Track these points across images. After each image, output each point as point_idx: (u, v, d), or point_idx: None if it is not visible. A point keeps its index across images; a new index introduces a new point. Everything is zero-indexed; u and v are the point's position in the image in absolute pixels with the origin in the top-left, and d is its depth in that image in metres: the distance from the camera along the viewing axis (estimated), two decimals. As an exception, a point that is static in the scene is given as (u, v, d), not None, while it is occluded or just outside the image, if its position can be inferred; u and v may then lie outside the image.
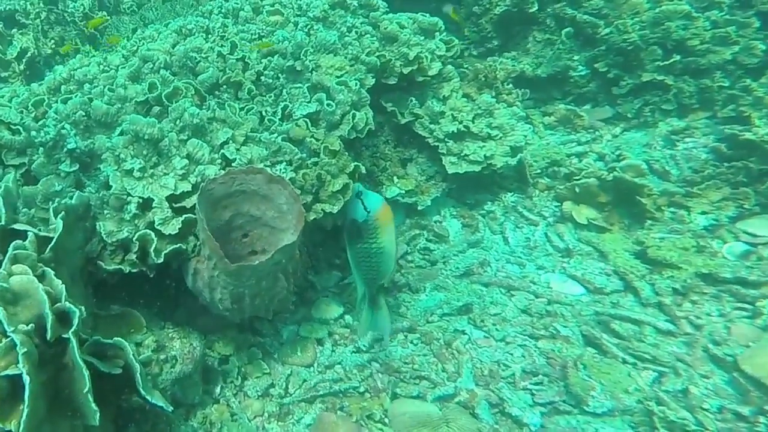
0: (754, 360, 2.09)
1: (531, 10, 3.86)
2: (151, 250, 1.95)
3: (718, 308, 2.38)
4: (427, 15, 3.30)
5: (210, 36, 3.15)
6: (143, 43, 3.22)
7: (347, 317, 2.58)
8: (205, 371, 2.25)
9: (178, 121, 2.27)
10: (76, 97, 2.42)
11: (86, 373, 1.53)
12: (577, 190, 2.93)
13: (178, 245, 2.02)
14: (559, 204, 3.04)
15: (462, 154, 2.97)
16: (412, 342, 2.46)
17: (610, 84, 3.72)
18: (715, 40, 3.52)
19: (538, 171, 3.27)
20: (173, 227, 2.00)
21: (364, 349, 2.42)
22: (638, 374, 2.21)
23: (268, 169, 2.20)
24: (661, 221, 2.80)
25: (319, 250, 2.84)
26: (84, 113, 2.36)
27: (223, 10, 3.39)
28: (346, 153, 2.43)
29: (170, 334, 2.08)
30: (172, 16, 4.30)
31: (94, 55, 3.80)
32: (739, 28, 3.55)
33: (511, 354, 2.37)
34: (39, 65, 4.18)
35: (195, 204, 1.96)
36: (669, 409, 2.02)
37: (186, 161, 2.13)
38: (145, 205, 2.06)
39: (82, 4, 4.30)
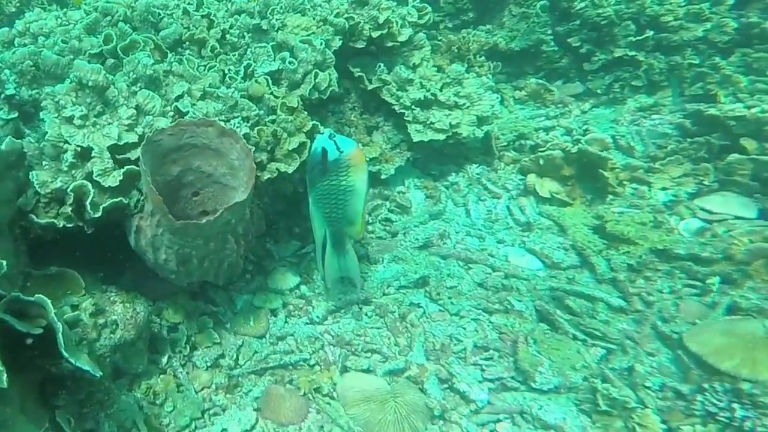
0: (698, 337, 2.04)
1: (507, -18, 3.70)
2: (87, 202, 1.82)
3: (670, 285, 2.32)
4: (400, -20, 3.14)
5: None
6: None
7: (303, 288, 2.49)
8: (153, 340, 2.16)
9: (131, 74, 2.12)
10: (25, 48, 2.27)
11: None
12: (541, 162, 2.84)
13: (119, 199, 1.89)
14: (524, 177, 2.95)
15: (428, 122, 2.86)
16: (366, 314, 2.39)
17: (582, 60, 3.61)
18: (688, 16, 3.42)
19: (505, 144, 3.18)
20: (114, 179, 1.87)
21: (318, 320, 2.35)
22: (587, 351, 2.16)
23: (221, 122, 2.08)
24: (622, 196, 2.73)
25: (279, 218, 2.75)
26: (32, 63, 2.21)
27: None
28: (305, 112, 2.31)
29: (112, 298, 1.97)
30: None
31: (52, 10, 3.60)
32: (713, 5, 3.45)
33: (464, 328, 2.30)
34: (2, 24, 3.97)
35: (139, 156, 1.83)
36: (613, 387, 1.97)
37: (134, 111, 2.00)
38: (84, 154, 1.92)
39: (48, -39, 4.08)
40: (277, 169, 2.17)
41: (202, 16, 2.65)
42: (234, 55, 2.57)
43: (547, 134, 3.19)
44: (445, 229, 2.72)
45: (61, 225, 1.88)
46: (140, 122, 2.02)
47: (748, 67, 3.28)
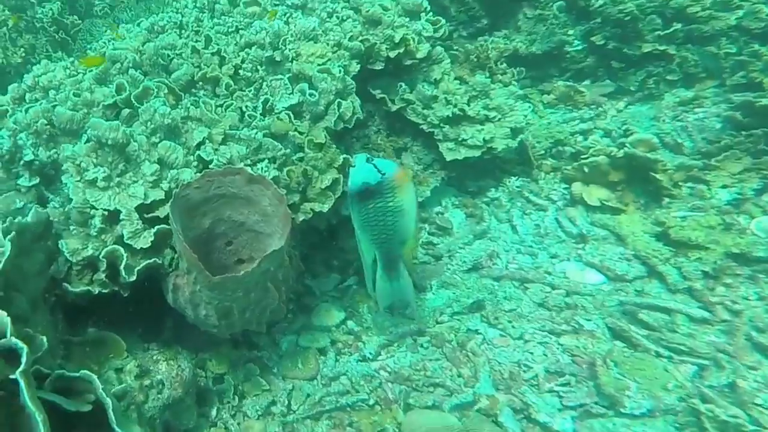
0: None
1: (520, -15, 3.54)
2: (122, 267, 1.65)
3: (756, 291, 2.09)
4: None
5: (184, 32, 2.85)
6: (112, 44, 2.91)
7: (349, 323, 2.28)
8: (199, 393, 1.96)
9: (149, 123, 1.98)
10: (38, 104, 2.12)
11: (40, 417, 1.23)
12: (585, 170, 2.63)
13: (153, 260, 1.74)
14: (568, 186, 2.74)
15: (459, 140, 2.67)
16: (422, 346, 2.17)
17: (609, 57, 3.42)
18: (716, 5, 3.23)
19: (542, 152, 2.98)
20: (145, 240, 1.72)
21: (371, 356, 2.13)
22: (676, 369, 1.93)
23: (248, 169, 1.90)
24: (680, 198, 2.51)
25: (314, 252, 2.55)
26: (46, 122, 2.06)
27: (198, 4, 3.07)
28: (334, 145, 2.13)
29: (155, 357, 1.79)
30: (147, 17, 3.96)
31: (59, 59, 3.46)
32: (741, -9, 3.26)
33: (532, 353, 2.08)
34: (10, 75, 3.84)
35: (168, 213, 1.65)
36: (717, 407, 1.73)
37: (157, 166, 1.84)
38: (113, 217, 1.76)
39: (51, 9, 3.97)
40: (311, 209, 2.01)
41: (213, 54, 2.50)
42: (250, 91, 2.40)
43: (586, 139, 2.98)
44: (493, 248, 2.50)
45: (96, 291, 1.70)
46: (165, 176, 1.87)
47: (788, 52, 3.08)
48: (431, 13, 3.01)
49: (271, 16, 2.67)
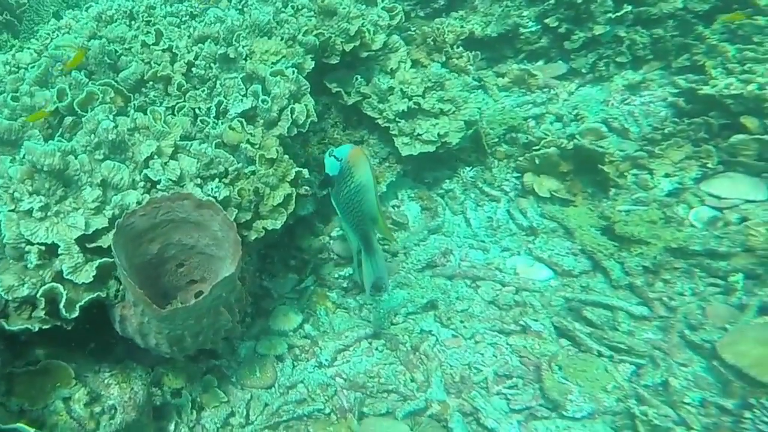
0: (734, 347, 1.82)
1: (476, -34, 3.34)
2: (62, 306, 1.54)
3: (691, 286, 2.10)
4: (368, -21, 2.79)
5: (134, 22, 2.62)
6: (57, 35, 2.67)
7: (307, 326, 2.24)
8: (157, 408, 1.90)
9: (93, 136, 1.79)
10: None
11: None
12: (537, 161, 2.57)
13: (96, 294, 1.62)
14: (520, 175, 2.67)
15: (415, 134, 2.56)
16: (377, 349, 2.14)
17: (562, 39, 3.30)
18: (665, -14, 3.10)
19: (495, 139, 2.88)
20: (87, 275, 1.58)
21: (327, 363, 2.09)
22: (615, 368, 1.94)
23: (198, 191, 1.79)
24: (625, 188, 2.47)
25: (272, 251, 2.47)
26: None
27: None
28: (286, 157, 2.01)
29: (106, 380, 1.71)
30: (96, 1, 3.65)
31: (5, 42, 3.18)
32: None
33: (482, 354, 2.07)
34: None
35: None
36: (650, 407, 1.75)
37: (99, 192, 1.69)
38: (51, 250, 1.62)
39: (-4, -15, 3.63)
40: (263, 227, 1.90)
41: (164, 50, 2.31)
42: (203, 91, 2.24)
43: (538, 125, 2.90)
44: (446, 245, 2.45)
45: (36, 329, 1.58)
46: (108, 201, 1.72)
47: (732, 33, 2.99)
48: (386, 1, 2.84)
49: None
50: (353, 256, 2.00)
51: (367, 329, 2.17)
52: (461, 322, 2.17)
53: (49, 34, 2.75)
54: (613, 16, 3.13)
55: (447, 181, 2.76)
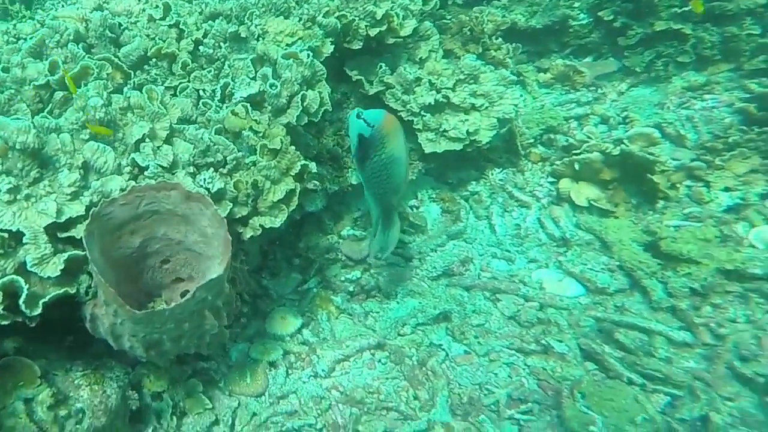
0: (791, 383, 1.69)
1: (523, -51, 3.28)
2: (22, 301, 1.49)
3: (745, 313, 1.96)
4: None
5: None
6: (63, 5, 2.72)
7: (305, 332, 2.20)
8: (133, 412, 1.88)
9: (81, 113, 1.82)
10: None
11: None
12: (576, 166, 2.47)
13: (63, 290, 1.57)
14: (555, 181, 2.59)
15: (441, 130, 2.50)
16: (380, 361, 2.08)
17: (616, 34, 3.19)
18: (747, -20, 2.95)
19: (531, 140, 2.80)
20: (54, 268, 1.53)
21: (323, 373, 2.05)
22: (647, 399, 1.82)
23: (189, 181, 1.76)
24: (675, 201, 2.36)
25: (275, 247, 2.45)
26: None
27: None
28: (293, 148, 1.97)
29: (77, 381, 1.68)
30: None
31: (17, 13, 3.25)
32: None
33: (496, 374, 1.98)
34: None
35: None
36: (685, 449, 1.64)
37: (77, 175, 1.65)
38: (18, 238, 1.57)
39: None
40: (260, 225, 1.86)
41: (170, 26, 2.32)
42: (209, 71, 2.23)
43: (581, 126, 2.80)
44: (466, 253, 2.38)
45: None
46: (89, 186, 1.67)
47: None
48: (423, -19, 2.80)
49: None
50: (372, 225, 1.99)
51: (370, 339, 2.11)
52: (476, 337, 2.09)
53: (54, 4, 2.82)
54: (680, 11, 3.02)
55: (473, 182, 2.69)
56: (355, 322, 2.22)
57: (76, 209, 1.63)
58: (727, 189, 2.35)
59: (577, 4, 3.28)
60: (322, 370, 2.04)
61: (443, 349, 2.08)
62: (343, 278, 2.35)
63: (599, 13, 3.21)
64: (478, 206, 2.60)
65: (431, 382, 1.98)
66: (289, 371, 2.08)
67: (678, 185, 2.38)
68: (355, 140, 1.85)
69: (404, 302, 2.24)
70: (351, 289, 2.32)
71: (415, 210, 2.60)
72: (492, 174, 2.70)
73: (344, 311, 2.28)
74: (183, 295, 1.85)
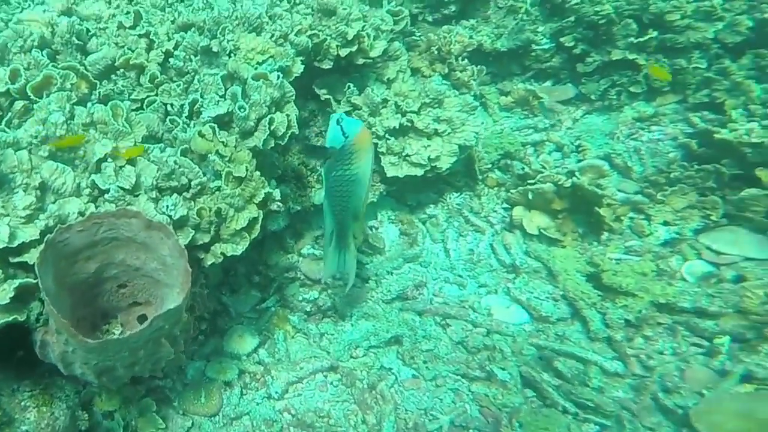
0: (709, 417, 1.84)
1: (493, -28, 3.35)
2: None
3: (672, 345, 2.11)
4: (375, -25, 2.76)
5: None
6: (29, 5, 2.66)
7: (262, 351, 2.27)
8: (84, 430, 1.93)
9: (41, 127, 1.76)
10: None
11: None
12: (530, 196, 2.58)
13: (13, 317, 1.57)
14: (509, 207, 2.70)
15: (403, 154, 2.58)
16: (332, 384, 2.17)
17: (575, 60, 3.31)
18: (698, 14, 3.09)
19: (489, 165, 2.90)
20: (3, 295, 1.54)
21: (276, 395, 2.13)
22: (578, 428, 1.96)
23: (152, 206, 1.78)
24: (619, 233, 2.49)
25: (237, 263, 2.51)
26: None
27: None
28: (257, 174, 2.00)
29: (24, 402, 1.70)
30: None
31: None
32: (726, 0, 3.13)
33: (441, 399, 2.09)
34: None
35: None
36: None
37: (33, 198, 1.65)
38: None
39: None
40: (222, 253, 1.89)
41: (140, 36, 2.32)
42: (179, 85, 2.24)
43: (537, 155, 2.92)
44: (421, 277, 2.48)
45: None
46: (45, 208, 1.67)
47: (761, 71, 2.99)
48: (393, 3, 2.85)
49: None
50: (326, 238, 2.02)
51: (324, 361, 2.20)
52: (424, 362, 2.20)
53: (20, 2, 2.76)
54: (635, 41, 3.15)
55: (431, 205, 2.78)
56: (311, 343, 2.30)
57: (30, 233, 1.61)
58: (666, 223, 2.49)
59: (541, 29, 3.38)
60: (276, 392, 2.13)
61: (393, 373, 2.18)
62: (300, 298, 2.43)
63: (561, 39, 3.32)
64: (435, 229, 2.70)
65: (380, 406, 2.08)
66: (244, 391, 2.16)
67: (622, 217, 2.51)
68: (327, 144, 1.87)
69: (358, 325, 2.34)
70: (308, 309, 2.40)
71: (374, 230, 2.68)
72: (450, 198, 2.80)
73: (300, 331, 2.36)
74: (140, 318, 1.90)
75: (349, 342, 2.28)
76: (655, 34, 3.08)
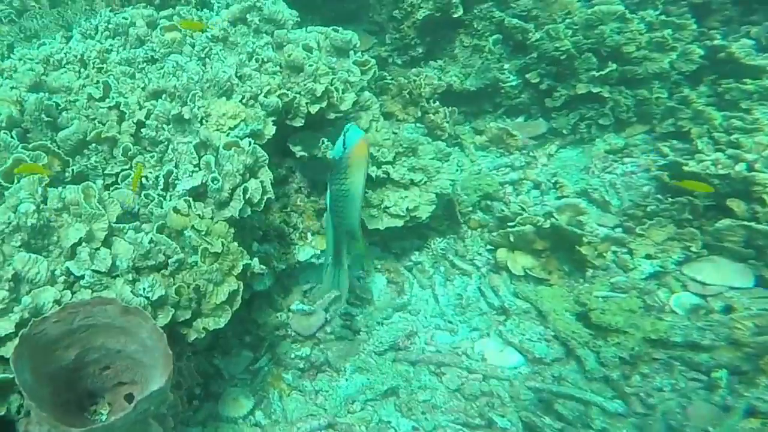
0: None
1: (456, 15, 3.43)
2: None
3: (670, 381, 2.13)
4: (340, 29, 2.79)
5: (86, 68, 2.58)
6: None
7: (258, 413, 2.22)
8: None
9: (12, 216, 1.71)
10: None
11: None
12: (511, 238, 2.61)
13: None
14: (493, 249, 2.72)
15: (382, 206, 2.58)
16: (331, 444, 2.13)
17: (543, 95, 3.40)
18: (651, 45, 3.22)
19: (470, 207, 2.93)
20: None
21: None
22: (584, 474, 1.95)
23: (128, 290, 1.74)
24: (603, 268, 2.53)
25: (226, 325, 2.46)
26: None
27: (111, 25, 2.72)
28: (235, 245, 1.98)
29: None
30: (58, 27, 3.61)
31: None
32: (675, 30, 3.26)
33: (444, 453, 2.07)
34: None
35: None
36: None
37: (6, 292, 1.62)
38: None
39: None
40: (204, 328, 1.87)
41: (110, 108, 2.30)
42: (152, 155, 2.23)
43: (515, 194, 2.96)
44: (411, 326, 2.47)
45: None
46: (20, 300, 1.65)
47: (719, 97, 3.12)
48: (359, 54, 2.88)
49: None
50: (326, 255, 2.04)
51: (321, 419, 2.16)
52: (423, 413, 2.18)
53: (-3, 69, 2.71)
54: (597, 75, 3.25)
55: (416, 252, 2.79)
56: (306, 401, 2.26)
57: (4, 327, 1.59)
58: (648, 256, 2.54)
59: (506, 66, 3.47)
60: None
61: (392, 426, 2.15)
62: (293, 355, 2.39)
63: (527, 75, 3.41)
64: (422, 276, 2.70)
65: (382, 466, 2.04)
66: (241, 461, 2.10)
67: (605, 254, 2.55)
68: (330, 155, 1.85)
69: (353, 378, 2.30)
70: (301, 365, 2.36)
71: (361, 281, 2.67)
72: (434, 243, 2.81)
73: (295, 388, 2.32)
74: (127, 397, 1.84)
75: (344, 397, 2.25)
76: (614, 66, 3.19)
